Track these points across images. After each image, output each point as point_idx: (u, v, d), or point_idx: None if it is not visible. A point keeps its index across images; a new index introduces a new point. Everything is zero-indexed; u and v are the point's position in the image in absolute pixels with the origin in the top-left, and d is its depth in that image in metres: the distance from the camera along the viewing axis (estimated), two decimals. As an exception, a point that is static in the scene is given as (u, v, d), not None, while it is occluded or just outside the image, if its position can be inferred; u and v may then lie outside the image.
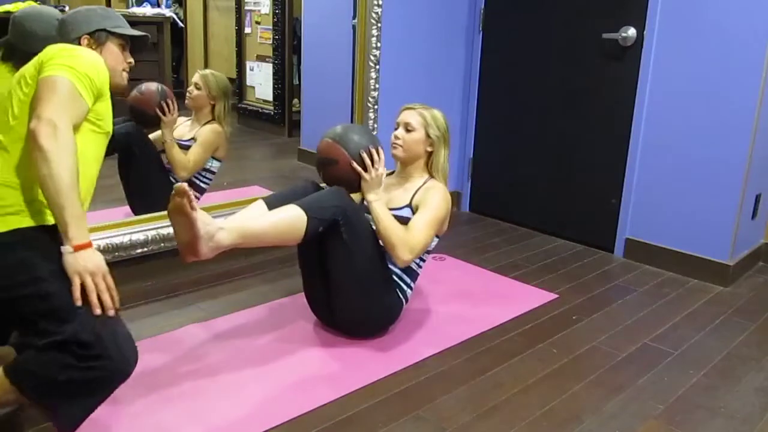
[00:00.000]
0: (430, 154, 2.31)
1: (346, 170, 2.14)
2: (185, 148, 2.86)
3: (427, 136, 2.27)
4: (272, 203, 2.05)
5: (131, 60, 1.82)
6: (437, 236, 2.26)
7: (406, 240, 2.07)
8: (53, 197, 1.40)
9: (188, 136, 2.91)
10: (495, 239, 3.34)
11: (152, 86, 2.74)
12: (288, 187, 2.19)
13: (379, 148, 2.18)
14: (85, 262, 1.43)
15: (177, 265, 2.46)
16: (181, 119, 2.91)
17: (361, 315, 2.19)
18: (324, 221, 1.98)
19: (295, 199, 2.04)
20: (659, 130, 2.94)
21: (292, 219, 1.94)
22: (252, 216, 2.01)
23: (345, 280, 2.10)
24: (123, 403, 1.46)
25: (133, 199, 2.67)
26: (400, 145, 2.28)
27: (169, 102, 2.73)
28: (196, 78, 2.89)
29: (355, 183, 2.16)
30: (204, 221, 1.75)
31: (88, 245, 1.44)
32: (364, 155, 2.13)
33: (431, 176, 2.32)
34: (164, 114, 2.72)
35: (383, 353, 2.14)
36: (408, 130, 2.27)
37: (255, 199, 2.10)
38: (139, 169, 2.68)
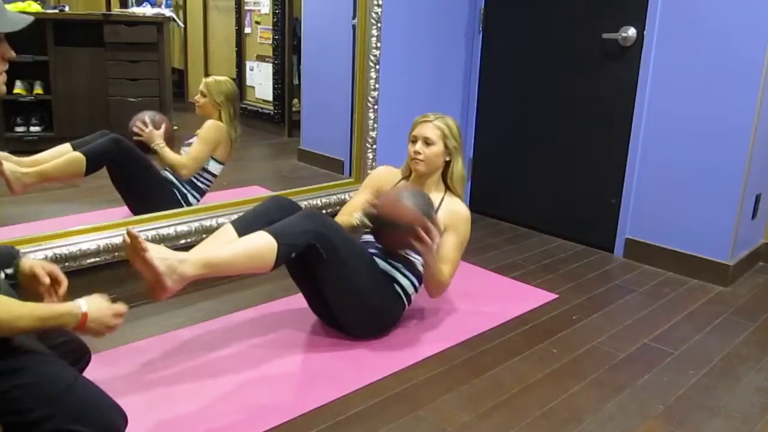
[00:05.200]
0: (446, 164, 2.34)
1: (411, 236, 2.04)
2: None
3: (446, 147, 2.30)
4: (242, 227, 1.97)
5: (11, 54, 1.38)
6: None
7: (447, 282, 2.24)
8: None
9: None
10: (495, 239, 3.34)
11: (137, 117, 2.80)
12: (258, 207, 2.13)
13: (434, 215, 2.11)
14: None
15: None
16: None
17: (362, 321, 2.19)
18: (296, 247, 1.91)
19: (267, 219, 1.98)
20: (659, 130, 2.94)
21: (260, 247, 1.85)
22: (218, 244, 1.92)
23: (339, 296, 2.11)
24: (123, 404, 1.46)
25: (131, 203, 2.67)
26: (422, 160, 2.29)
27: (145, 120, 2.77)
28: (200, 86, 2.91)
29: (411, 246, 2.08)
30: (161, 257, 1.68)
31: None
32: (431, 226, 2.04)
33: (447, 187, 2.36)
34: (139, 135, 2.76)
35: (383, 353, 2.14)
36: (427, 144, 2.28)
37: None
38: (130, 177, 2.67)
